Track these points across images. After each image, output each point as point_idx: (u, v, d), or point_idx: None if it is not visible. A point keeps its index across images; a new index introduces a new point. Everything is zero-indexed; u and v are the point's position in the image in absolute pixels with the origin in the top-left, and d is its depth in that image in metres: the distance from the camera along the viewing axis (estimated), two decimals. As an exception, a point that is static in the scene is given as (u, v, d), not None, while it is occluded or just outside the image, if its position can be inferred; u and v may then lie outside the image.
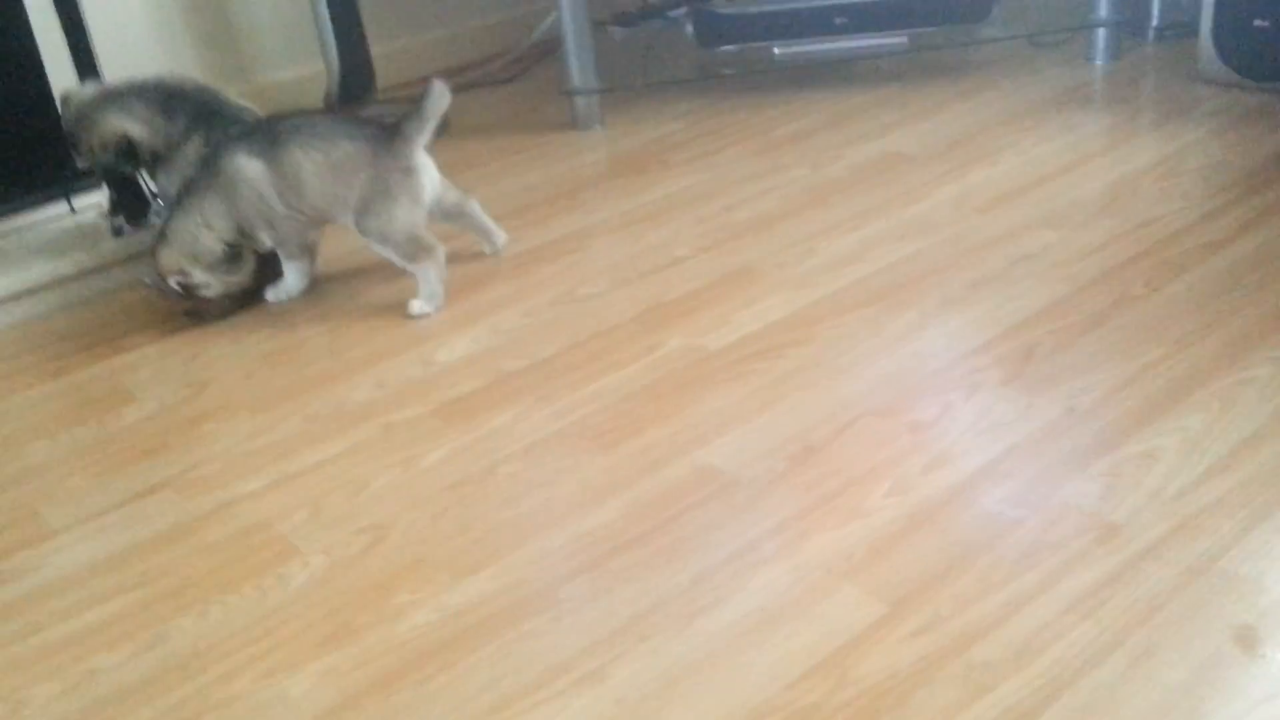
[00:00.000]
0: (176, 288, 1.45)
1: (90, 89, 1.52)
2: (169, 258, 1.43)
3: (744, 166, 1.80)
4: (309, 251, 1.54)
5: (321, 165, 1.42)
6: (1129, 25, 2.04)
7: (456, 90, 2.29)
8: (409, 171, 1.43)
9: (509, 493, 1.11)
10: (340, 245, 1.63)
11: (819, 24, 2.04)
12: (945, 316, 1.31)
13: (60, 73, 1.62)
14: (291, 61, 2.23)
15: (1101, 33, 1.99)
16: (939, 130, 1.83)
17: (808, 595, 0.93)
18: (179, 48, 2.10)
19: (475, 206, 1.56)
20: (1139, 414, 1.10)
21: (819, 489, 1.06)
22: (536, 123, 2.10)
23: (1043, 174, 1.63)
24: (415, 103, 1.42)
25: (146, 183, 1.63)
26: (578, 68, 2.00)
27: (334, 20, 2.02)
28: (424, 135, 1.43)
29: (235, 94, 1.64)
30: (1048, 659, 0.85)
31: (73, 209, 1.68)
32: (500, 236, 1.60)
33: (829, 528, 1.00)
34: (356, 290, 1.55)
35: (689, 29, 2.11)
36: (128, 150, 1.49)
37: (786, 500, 1.05)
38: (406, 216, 1.43)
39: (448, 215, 1.53)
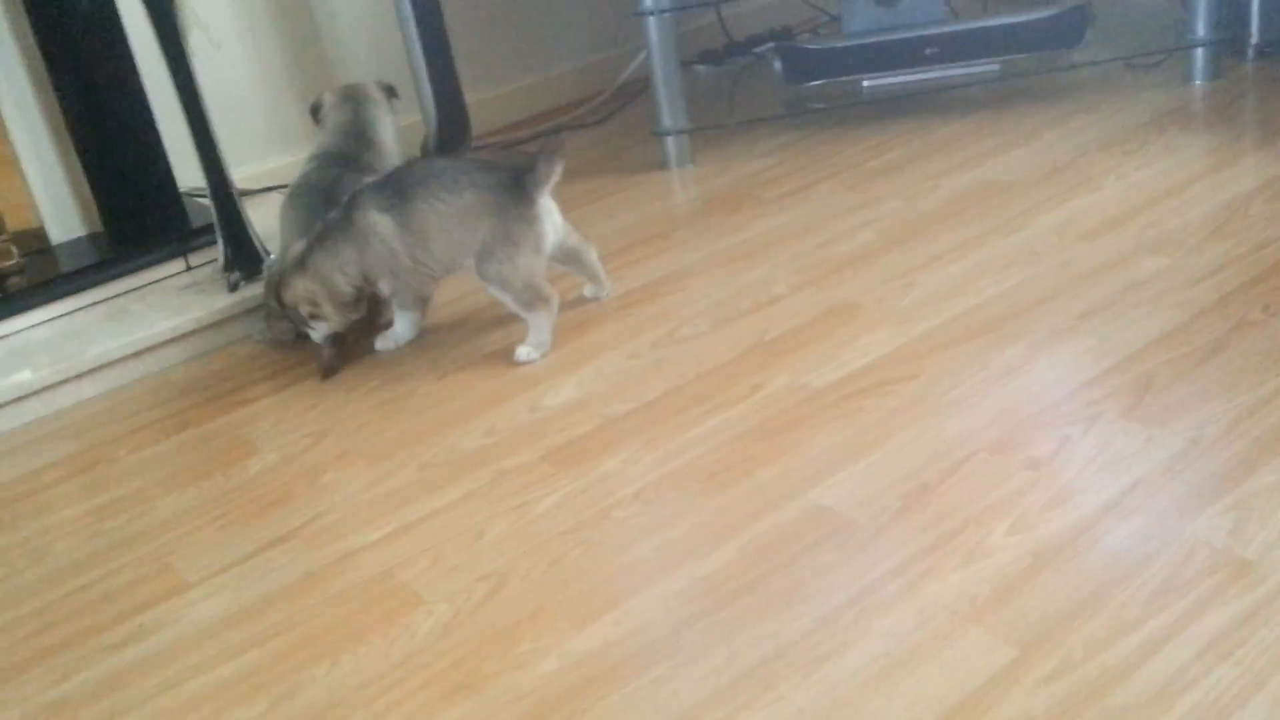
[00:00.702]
0: (302, 317, 1.49)
1: None
2: (304, 287, 1.48)
3: (837, 201, 1.80)
4: (423, 304, 1.58)
5: (447, 215, 1.46)
6: (1228, 44, 1.99)
7: (552, 132, 2.34)
8: (532, 221, 1.47)
9: (623, 538, 1.12)
10: (444, 293, 1.67)
11: (908, 55, 2.03)
12: (1055, 348, 1.30)
13: (171, 137, 1.70)
14: (389, 114, 2.29)
15: (1200, 52, 1.96)
16: (1036, 157, 1.81)
17: (934, 639, 0.92)
18: (283, 108, 2.17)
19: (592, 253, 1.60)
20: (1265, 445, 1.07)
21: (937, 529, 1.05)
22: (628, 164, 2.13)
23: (1147, 199, 1.60)
24: (537, 156, 1.46)
25: (255, 239, 1.69)
26: (667, 108, 2.03)
27: (430, 71, 2.08)
28: (547, 187, 1.47)
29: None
30: (1188, 703, 0.83)
31: (189, 266, 1.75)
32: (608, 286, 1.63)
33: (950, 569, 0.99)
34: (462, 337, 1.58)
35: (776, 66, 2.12)
36: None
37: (904, 541, 1.04)
38: (527, 265, 1.47)
39: (564, 259, 1.57)
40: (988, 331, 1.35)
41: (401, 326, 1.57)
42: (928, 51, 2.02)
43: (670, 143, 2.04)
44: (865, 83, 2.17)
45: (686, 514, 1.13)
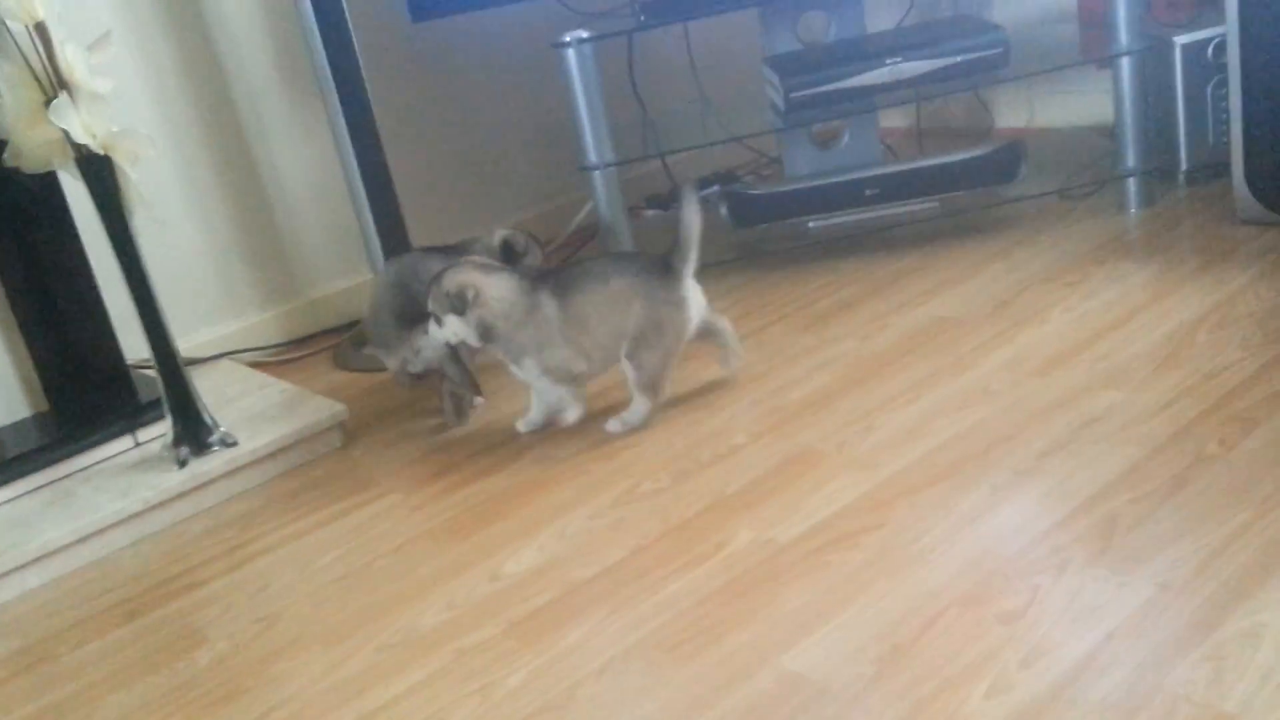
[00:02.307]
0: (445, 304, 1.55)
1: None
2: (477, 278, 1.54)
3: (792, 343, 1.81)
4: (573, 382, 1.62)
5: (600, 304, 1.56)
6: (1159, 172, 2.06)
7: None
8: (679, 305, 1.56)
9: (590, 719, 1.07)
10: (379, 469, 1.65)
11: (850, 197, 2.08)
12: (1019, 491, 1.29)
13: (117, 308, 1.68)
14: (341, 273, 2.29)
15: (1132, 181, 2.02)
16: (982, 291, 1.84)
17: (919, 819, 0.89)
18: (233, 273, 2.17)
19: (727, 325, 1.67)
20: (1235, 587, 1.06)
21: (914, 694, 1.02)
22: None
23: (1094, 331, 1.63)
24: (675, 239, 1.56)
25: (203, 412, 1.66)
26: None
27: (379, 229, 2.09)
28: (689, 267, 1.57)
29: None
30: None
31: (137, 442, 1.71)
32: (737, 359, 1.69)
33: (930, 738, 0.96)
34: (416, 506, 1.55)
35: (723, 211, 2.16)
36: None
37: (881, 710, 1.01)
38: (668, 351, 1.58)
39: (703, 335, 1.64)
40: (950, 475, 1.35)
41: (539, 408, 1.67)
42: (868, 192, 2.06)
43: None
44: (811, 223, 2.21)
45: (655, 688, 1.09)
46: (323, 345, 2.21)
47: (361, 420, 1.85)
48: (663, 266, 1.57)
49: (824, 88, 1.99)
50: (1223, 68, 1.92)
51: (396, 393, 1.95)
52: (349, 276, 2.29)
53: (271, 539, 1.53)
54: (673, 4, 2.11)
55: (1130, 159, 2.01)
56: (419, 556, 1.42)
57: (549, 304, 1.56)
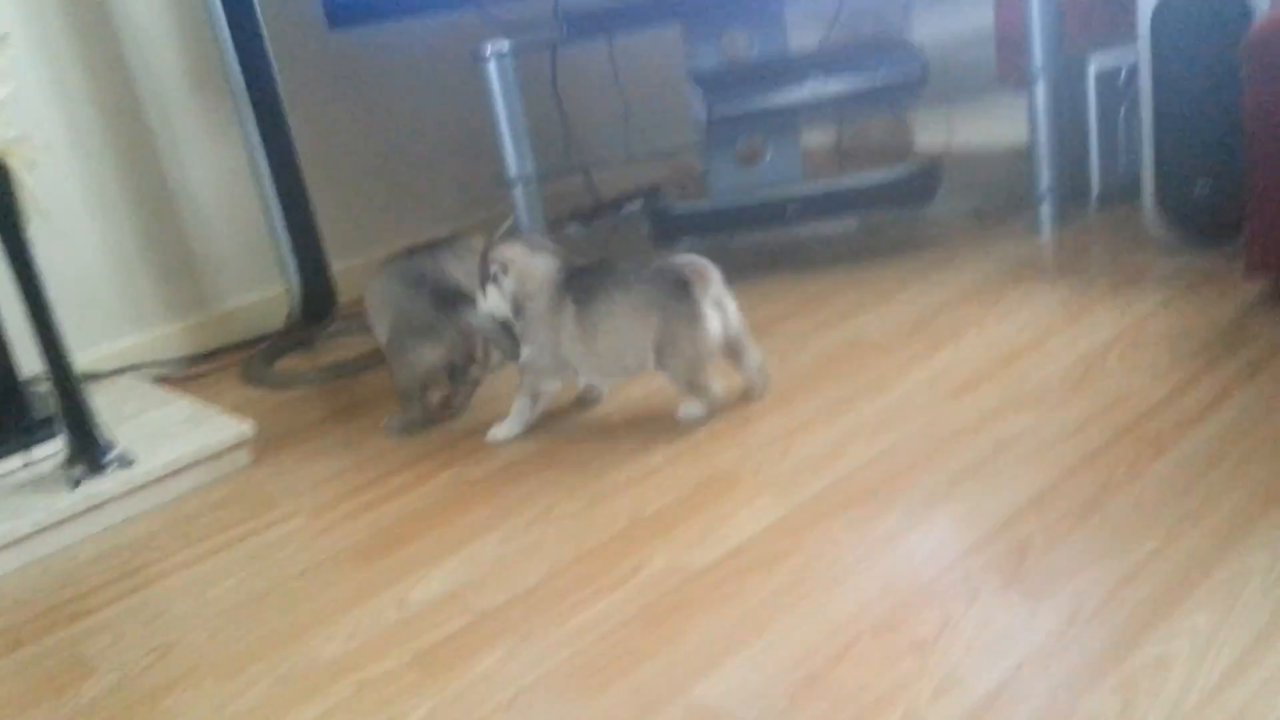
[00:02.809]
0: (488, 273, 1.58)
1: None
2: (519, 256, 1.58)
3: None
4: (541, 402, 1.64)
5: (619, 313, 1.56)
6: (1071, 195, 2.09)
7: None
8: (694, 319, 1.54)
9: (498, 752, 1.04)
10: (319, 487, 1.60)
11: (771, 215, 2.08)
12: (932, 514, 1.29)
13: (12, 321, 1.60)
14: (252, 286, 2.23)
15: (1046, 203, 2.05)
16: (900, 311, 1.85)
17: None
18: (138, 284, 2.09)
19: (753, 359, 1.63)
20: (1144, 615, 1.07)
21: (825, 725, 1.00)
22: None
23: (1008, 352, 1.64)
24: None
25: (100, 430, 1.59)
26: (537, 273, 2.01)
27: (293, 241, 2.03)
28: (708, 289, 1.54)
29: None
30: None
31: (29, 461, 1.63)
32: (756, 394, 1.65)
33: (841, 772, 0.95)
34: (325, 527, 1.50)
35: (645, 226, 2.14)
36: None
37: (792, 742, 0.99)
38: (693, 358, 1.56)
39: (729, 354, 1.61)
40: (865, 500, 1.34)
41: (516, 423, 1.65)
42: (788, 210, 2.06)
43: (541, 308, 2.03)
44: (732, 241, 2.20)
45: (565, 721, 1.07)
46: (231, 360, 2.14)
47: (270, 438, 1.79)
48: (679, 280, 1.55)
49: (746, 105, 1.99)
50: (1134, 93, 1.96)
51: (307, 411, 1.90)
52: (260, 289, 2.23)
53: (168, 564, 1.47)
54: (596, 17, 2.09)
55: (1044, 181, 2.04)
56: (323, 582, 1.37)
57: (570, 305, 1.57)
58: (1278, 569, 1.09)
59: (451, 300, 1.66)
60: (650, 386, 1.74)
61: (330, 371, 2.04)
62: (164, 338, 2.13)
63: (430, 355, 1.70)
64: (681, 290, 1.53)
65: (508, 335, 1.68)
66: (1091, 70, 2.02)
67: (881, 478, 1.38)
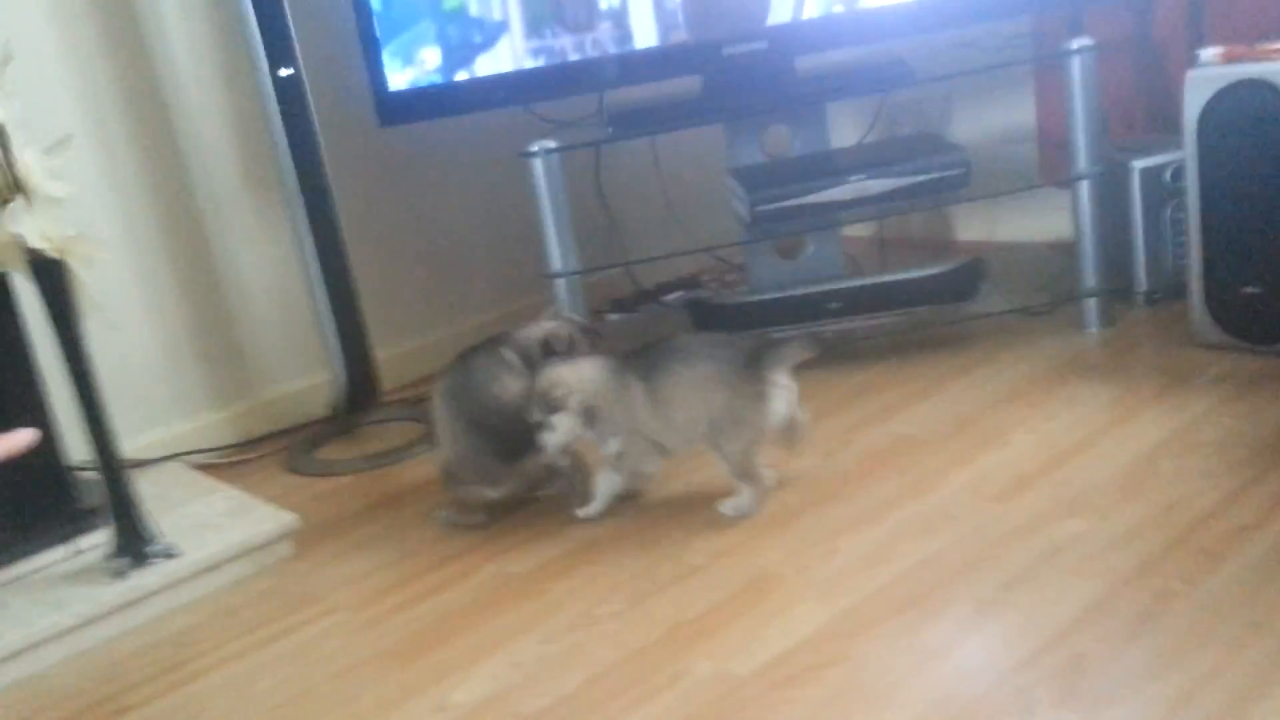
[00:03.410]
0: (545, 405, 1.59)
1: None
2: (562, 373, 1.60)
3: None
4: (643, 482, 1.69)
5: (684, 385, 1.58)
6: (1118, 292, 2.08)
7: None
8: (760, 398, 1.56)
9: None
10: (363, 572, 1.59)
11: (812, 310, 2.08)
12: (983, 624, 1.26)
13: (61, 408, 1.63)
14: (297, 374, 2.25)
15: (1092, 301, 2.04)
16: (943, 409, 1.83)
17: None
18: (185, 373, 2.13)
19: (803, 426, 1.65)
20: (1207, 736, 1.04)
21: None
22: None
23: (1055, 454, 1.62)
24: (779, 344, 1.59)
25: (145, 521, 1.60)
26: (579, 364, 2.02)
27: (338, 329, 2.06)
28: (781, 371, 1.58)
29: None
30: None
31: (79, 550, 1.65)
32: (797, 450, 1.67)
33: None
34: (366, 623, 1.50)
35: (685, 318, 2.15)
36: None
37: None
38: (749, 442, 1.58)
39: (784, 430, 1.62)
40: (913, 606, 1.32)
41: (601, 500, 1.66)
42: (830, 306, 2.07)
43: (583, 400, 2.03)
44: (774, 335, 2.20)
45: (608, 836, 1.04)
46: (274, 447, 2.16)
47: (311, 528, 1.79)
48: (749, 358, 1.57)
49: (788, 202, 2.01)
50: (1180, 191, 1.96)
51: (349, 500, 1.90)
52: (304, 377, 2.25)
53: (209, 659, 1.46)
54: (640, 116, 2.13)
55: (1089, 279, 2.03)
56: (363, 682, 1.36)
57: (636, 385, 1.60)
58: (1345, 691, 1.06)
59: (515, 449, 1.66)
60: (693, 480, 1.73)
61: (373, 460, 2.05)
62: (209, 425, 2.15)
63: (490, 494, 1.71)
64: (752, 368, 1.56)
65: (570, 466, 1.70)
66: (1136, 169, 2.02)
67: (929, 583, 1.36)
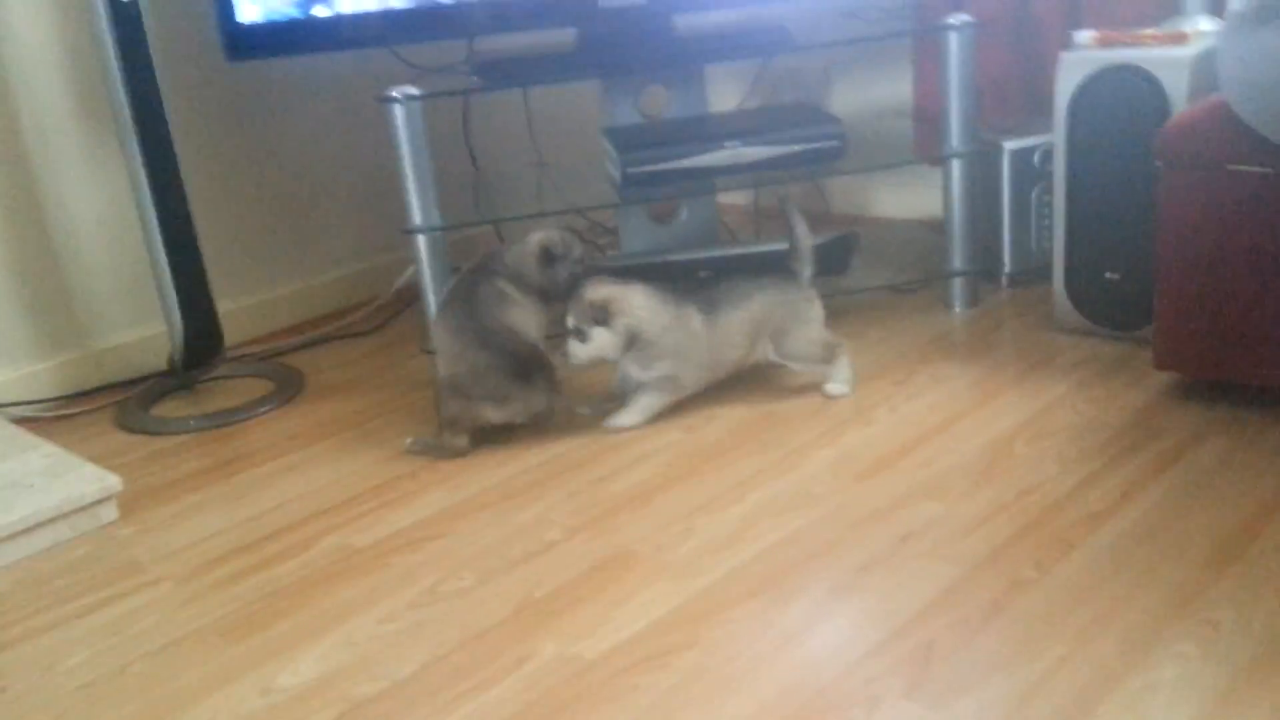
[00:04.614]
0: (587, 317, 1.62)
1: None
2: (617, 291, 1.63)
3: (617, 430, 1.73)
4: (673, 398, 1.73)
5: (745, 320, 1.70)
6: (984, 273, 2.09)
7: (312, 345, 2.20)
8: (810, 300, 1.73)
9: None
10: (183, 558, 1.48)
11: (682, 276, 2.02)
12: (836, 609, 1.23)
13: None
14: (131, 323, 2.10)
15: (958, 281, 2.04)
16: (810, 386, 1.80)
17: None
18: (4, 316, 1.95)
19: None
20: (1051, 729, 1.03)
21: None
22: (399, 380, 2.01)
23: (918, 434, 1.61)
24: (789, 244, 1.74)
25: None
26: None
27: (177, 277, 1.92)
28: (808, 269, 1.74)
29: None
30: None
31: None
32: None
33: None
34: (191, 596, 1.39)
35: (553, 282, 2.07)
36: None
37: None
38: (818, 333, 1.73)
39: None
40: (767, 589, 1.28)
41: (644, 413, 1.71)
42: (701, 274, 2.02)
43: (434, 361, 1.94)
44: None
45: (436, 834, 0.98)
46: (106, 401, 2.01)
47: (140, 491, 1.67)
48: (788, 274, 1.73)
49: (661, 165, 1.95)
50: (1048, 174, 1.97)
51: (184, 461, 1.78)
52: (141, 327, 2.10)
53: (13, 632, 1.34)
54: (510, 68, 2.03)
55: (957, 259, 2.03)
56: (183, 661, 1.26)
57: (696, 317, 1.66)
58: (1186, 680, 1.06)
59: (529, 371, 1.66)
60: (550, 450, 1.67)
61: (213, 418, 1.92)
62: (32, 375, 1.99)
63: (494, 416, 1.67)
64: (794, 280, 1.72)
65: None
66: (1007, 149, 2.02)
67: (785, 565, 1.33)
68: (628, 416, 1.71)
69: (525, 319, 1.69)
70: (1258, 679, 1.06)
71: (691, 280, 1.73)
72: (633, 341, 1.64)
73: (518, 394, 1.67)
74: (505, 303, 1.68)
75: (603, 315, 1.62)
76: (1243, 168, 1.45)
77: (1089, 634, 1.15)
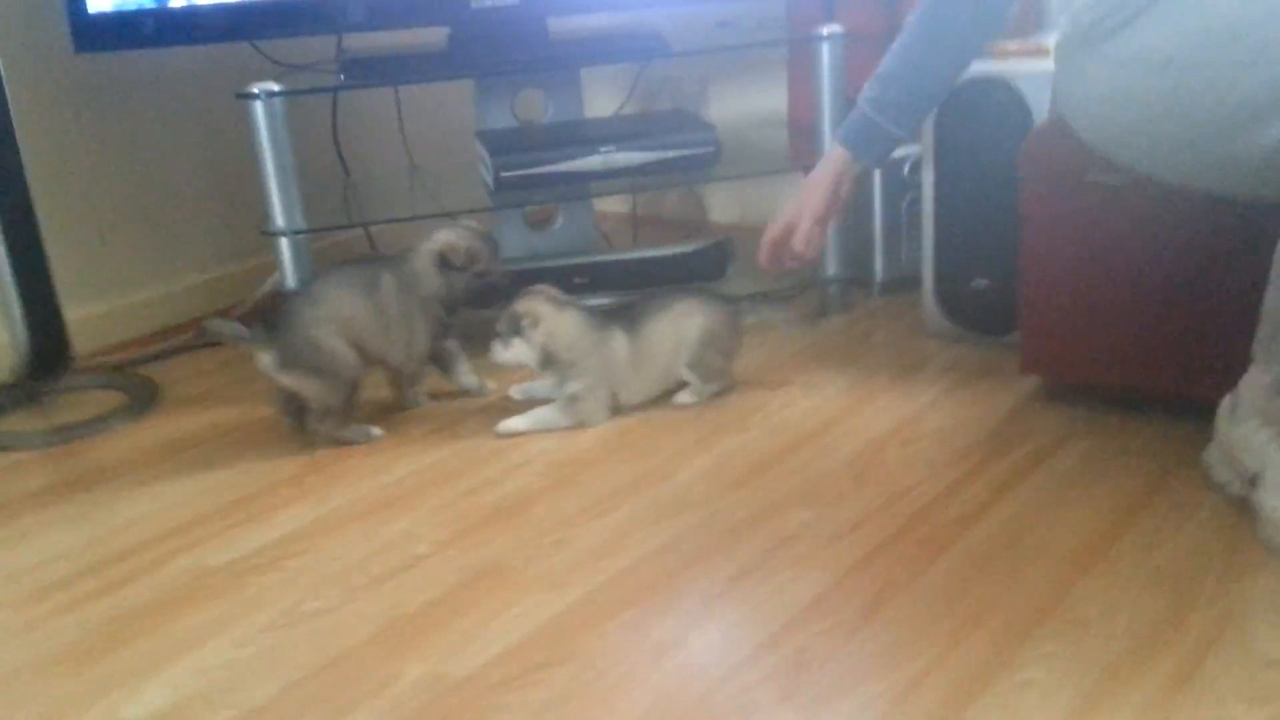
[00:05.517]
0: (514, 327, 1.65)
1: None
2: (543, 309, 1.65)
3: (488, 438, 1.68)
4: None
5: (666, 336, 1.71)
6: (856, 280, 2.11)
7: (168, 355, 2.10)
8: (733, 325, 1.77)
9: None
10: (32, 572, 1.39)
11: (558, 282, 1.99)
12: (710, 618, 1.22)
13: None
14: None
15: (832, 288, 2.06)
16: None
17: None
18: None
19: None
20: (920, 734, 1.03)
21: None
22: (256, 392, 1.92)
23: (792, 440, 1.61)
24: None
25: None
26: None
27: (20, 282, 1.80)
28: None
29: None
30: None
31: None
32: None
33: None
34: (29, 623, 1.30)
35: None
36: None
37: None
38: (726, 356, 1.77)
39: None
40: (641, 600, 1.26)
41: (538, 423, 1.70)
42: (576, 280, 1.99)
43: (306, 372, 1.87)
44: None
45: None
46: (-62, 414, 1.88)
47: (-26, 512, 1.56)
48: (714, 294, 1.78)
49: (535, 169, 1.92)
50: (917, 185, 2.00)
51: (29, 479, 1.67)
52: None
53: None
54: (379, 66, 1.98)
55: (831, 267, 2.05)
56: (16, 695, 1.17)
57: (618, 338, 1.68)
58: (1055, 679, 1.07)
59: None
60: (420, 459, 1.62)
61: (61, 433, 1.81)
62: None
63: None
64: (726, 301, 1.77)
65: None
66: (878, 159, 2.04)
67: (659, 575, 1.31)
68: (517, 422, 1.69)
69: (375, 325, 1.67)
70: (1124, 675, 1.08)
71: (625, 305, 1.75)
72: (547, 360, 1.66)
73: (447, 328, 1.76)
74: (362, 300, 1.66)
75: (519, 328, 1.64)
76: (1100, 180, 1.49)
77: (960, 636, 1.15)
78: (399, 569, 1.36)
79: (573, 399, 1.68)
